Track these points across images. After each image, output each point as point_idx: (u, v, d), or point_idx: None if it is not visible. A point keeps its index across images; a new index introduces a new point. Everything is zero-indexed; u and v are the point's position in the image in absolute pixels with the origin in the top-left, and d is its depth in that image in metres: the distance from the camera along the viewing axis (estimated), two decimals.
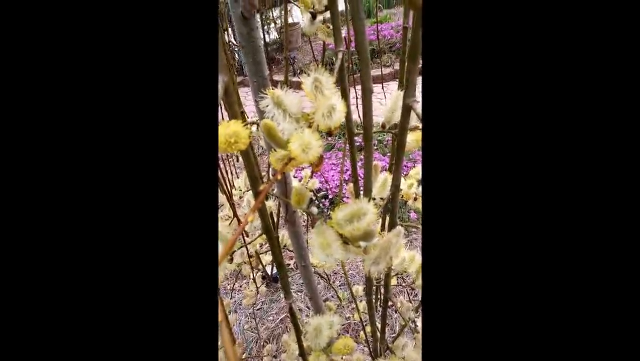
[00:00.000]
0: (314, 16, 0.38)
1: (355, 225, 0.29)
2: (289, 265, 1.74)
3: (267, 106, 0.27)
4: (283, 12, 0.62)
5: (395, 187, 0.39)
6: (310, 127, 0.27)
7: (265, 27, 3.66)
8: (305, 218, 0.81)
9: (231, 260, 0.34)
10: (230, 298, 1.67)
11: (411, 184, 0.69)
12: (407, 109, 0.33)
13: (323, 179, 1.96)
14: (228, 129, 0.19)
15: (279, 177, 0.22)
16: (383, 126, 0.41)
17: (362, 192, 0.41)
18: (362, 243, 0.31)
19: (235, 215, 0.63)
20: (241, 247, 0.47)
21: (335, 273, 1.78)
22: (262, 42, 0.41)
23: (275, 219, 0.74)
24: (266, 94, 0.26)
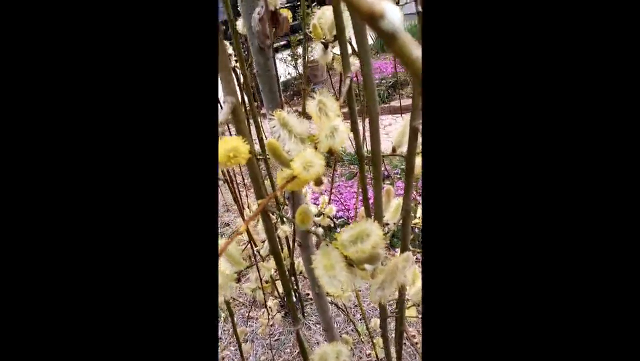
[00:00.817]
0: (325, 46, 0.40)
1: (359, 246, 0.28)
2: (307, 294, 1.70)
3: (274, 127, 0.28)
4: (303, 48, 0.66)
5: (406, 211, 0.38)
6: (315, 148, 0.28)
7: (294, 63, 3.86)
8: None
9: (239, 280, 0.34)
10: (247, 327, 1.64)
11: None
12: (414, 132, 0.33)
13: (343, 207, 1.95)
14: (228, 144, 0.20)
15: (278, 193, 0.22)
16: (393, 150, 0.41)
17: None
18: (367, 267, 0.31)
19: (250, 238, 0.64)
20: (250, 265, 0.47)
21: (356, 306, 1.72)
22: (276, 71, 0.44)
23: (291, 245, 0.74)
24: (274, 116, 0.28)
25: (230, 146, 0.20)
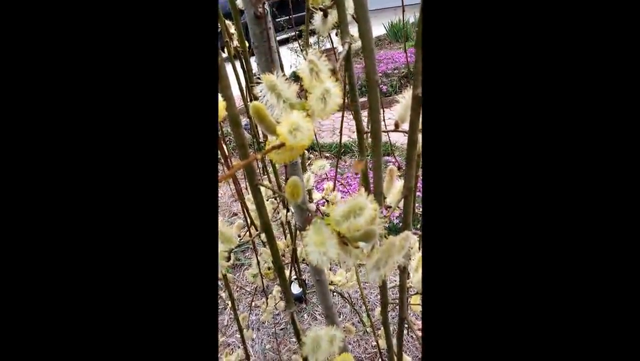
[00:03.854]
0: (325, 14, 0.37)
1: (352, 222, 0.26)
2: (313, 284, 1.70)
3: (261, 90, 0.26)
4: (304, 37, 0.63)
5: (408, 189, 0.36)
6: (308, 115, 0.26)
7: (304, 52, 3.84)
8: None
9: (229, 258, 0.33)
10: (253, 315, 1.64)
11: None
12: (417, 101, 0.30)
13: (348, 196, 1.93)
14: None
15: (258, 157, 0.20)
16: (396, 125, 0.38)
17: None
18: (362, 245, 0.29)
19: (252, 222, 0.62)
20: (243, 243, 0.45)
21: (365, 297, 1.70)
22: (275, 42, 0.42)
23: (293, 230, 0.73)
24: (260, 80, 0.26)
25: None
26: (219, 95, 0.26)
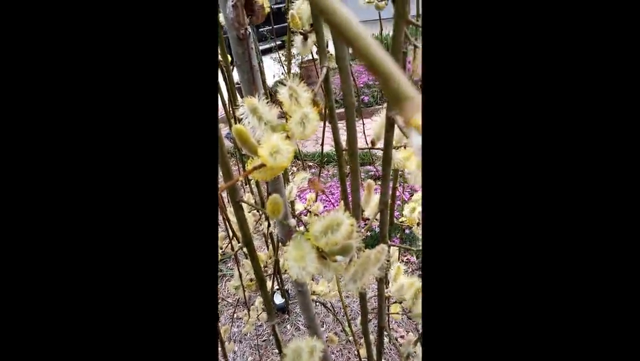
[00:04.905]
0: (305, 37, 0.39)
1: (330, 237, 0.28)
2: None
3: (243, 113, 0.27)
4: (286, 50, 0.65)
5: (384, 203, 0.38)
6: (288, 137, 0.27)
7: (287, 63, 3.87)
8: None
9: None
10: (235, 327, 1.62)
11: (413, 208, 0.67)
12: (390, 123, 0.33)
13: (333, 207, 1.95)
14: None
15: (240, 178, 0.22)
16: (372, 143, 0.40)
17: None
18: (339, 258, 0.30)
19: (233, 234, 0.63)
20: (228, 257, 0.46)
21: (346, 307, 1.71)
22: (259, 58, 0.43)
23: (275, 242, 0.73)
24: (243, 103, 0.27)
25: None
26: None
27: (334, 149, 0.37)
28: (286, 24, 0.45)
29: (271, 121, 0.27)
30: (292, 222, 0.32)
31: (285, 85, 0.27)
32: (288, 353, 0.35)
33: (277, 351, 1.55)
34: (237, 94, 0.61)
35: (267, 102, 0.28)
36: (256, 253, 0.34)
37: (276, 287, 0.89)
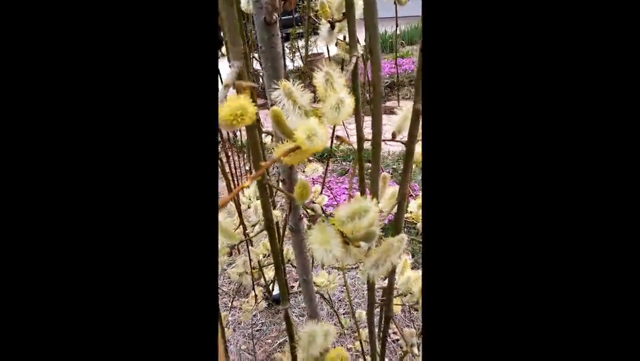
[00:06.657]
0: (332, 26, 0.39)
1: (357, 222, 0.28)
2: (292, 286, 1.70)
3: (278, 96, 0.27)
4: (304, 41, 0.65)
5: (402, 195, 0.39)
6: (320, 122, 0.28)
7: (291, 56, 3.85)
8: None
9: (230, 253, 0.34)
10: (230, 316, 1.63)
11: (420, 204, 0.68)
12: (416, 114, 0.33)
13: (333, 198, 1.96)
14: (235, 102, 0.20)
15: (273, 162, 0.22)
16: (393, 135, 0.41)
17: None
18: (362, 244, 0.31)
19: (241, 221, 0.63)
20: (241, 241, 0.46)
21: (340, 301, 1.72)
22: (282, 48, 0.43)
23: (282, 231, 0.74)
24: (278, 85, 0.27)
25: (238, 104, 0.20)
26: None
27: (334, 145, 0.37)
28: (291, 16, 0.45)
29: (305, 106, 0.28)
30: (317, 207, 0.33)
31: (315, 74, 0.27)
32: (303, 337, 0.35)
33: (270, 340, 1.57)
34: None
35: (302, 87, 0.28)
36: (276, 238, 0.34)
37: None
